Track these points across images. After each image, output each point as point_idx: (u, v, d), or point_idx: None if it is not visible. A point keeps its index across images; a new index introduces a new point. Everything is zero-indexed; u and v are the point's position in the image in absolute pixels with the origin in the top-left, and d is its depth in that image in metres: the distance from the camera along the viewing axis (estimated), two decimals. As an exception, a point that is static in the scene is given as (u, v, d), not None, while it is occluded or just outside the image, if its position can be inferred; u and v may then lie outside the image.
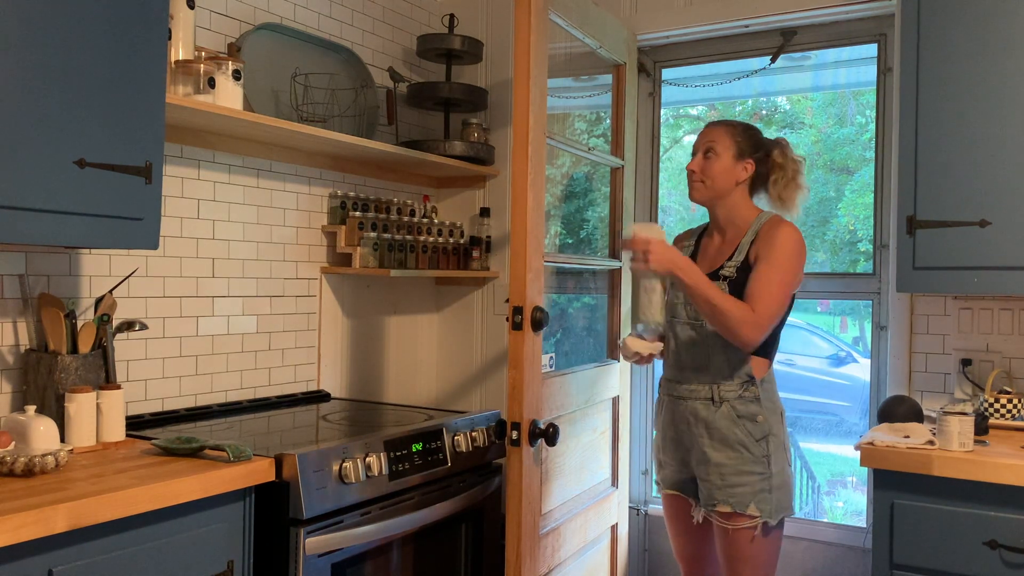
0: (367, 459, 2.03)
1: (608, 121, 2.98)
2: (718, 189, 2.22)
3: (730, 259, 2.19)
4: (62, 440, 1.84)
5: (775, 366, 2.22)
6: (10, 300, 1.97)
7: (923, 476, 1.97)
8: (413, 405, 2.89)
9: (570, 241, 3.13)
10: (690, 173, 2.26)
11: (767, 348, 2.17)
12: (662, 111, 3.12)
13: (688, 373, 2.21)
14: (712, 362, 2.17)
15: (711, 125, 2.28)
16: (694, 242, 2.37)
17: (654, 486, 3.16)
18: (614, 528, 2.90)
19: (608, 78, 2.94)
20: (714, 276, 2.17)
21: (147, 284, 2.27)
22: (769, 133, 2.30)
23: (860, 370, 6.20)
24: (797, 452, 5.13)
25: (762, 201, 2.29)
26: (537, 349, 2.22)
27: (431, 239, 2.90)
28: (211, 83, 2.14)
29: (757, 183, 2.27)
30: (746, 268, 2.15)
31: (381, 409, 2.65)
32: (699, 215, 5.50)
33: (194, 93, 2.14)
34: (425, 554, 2.28)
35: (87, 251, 2.12)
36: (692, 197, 2.28)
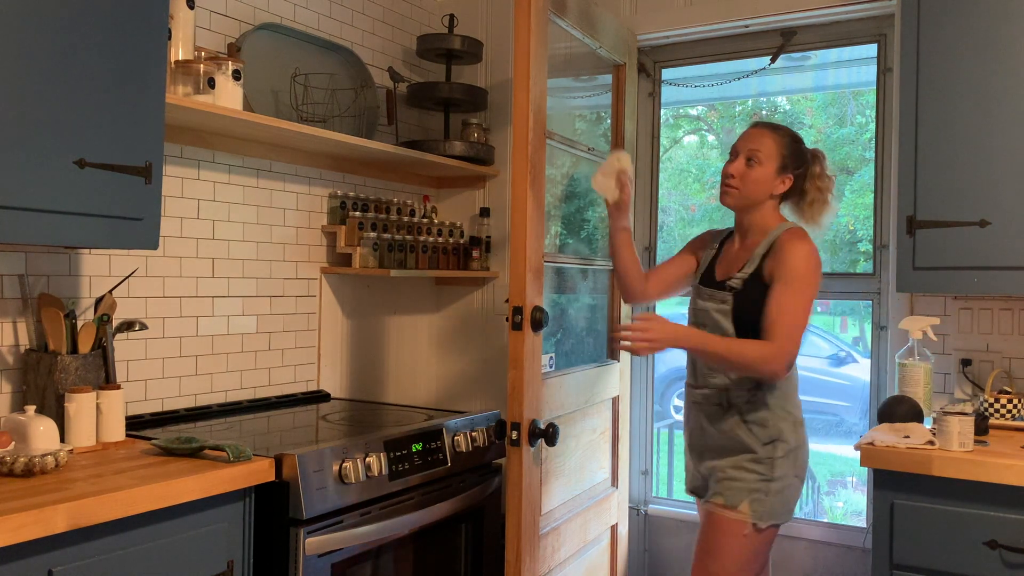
0: (367, 459, 2.03)
1: (609, 121, 2.98)
2: (751, 198, 2.15)
3: (741, 269, 2.14)
4: (62, 440, 1.84)
5: (801, 373, 2.22)
6: (10, 300, 1.97)
7: (923, 476, 1.97)
8: (413, 405, 2.89)
9: (570, 241, 3.13)
10: (726, 176, 2.17)
11: None
12: (662, 111, 3.12)
13: (702, 378, 2.20)
14: (721, 368, 2.13)
15: (759, 128, 2.18)
16: (718, 245, 2.31)
17: (654, 487, 3.16)
18: (614, 528, 2.90)
19: (609, 78, 2.94)
20: (720, 287, 2.16)
21: (147, 284, 2.27)
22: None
23: (860, 370, 6.21)
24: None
25: (787, 210, 2.23)
26: (537, 349, 2.22)
27: (431, 239, 2.90)
28: (211, 83, 2.14)
29: (790, 195, 2.21)
30: (756, 281, 2.10)
31: (381, 409, 2.65)
32: (699, 214, 5.50)
33: (194, 93, 2.14)
34: (425, 554, 2.28)
35: (87, 251, 2.12)
36: (723, 201, 2.19)
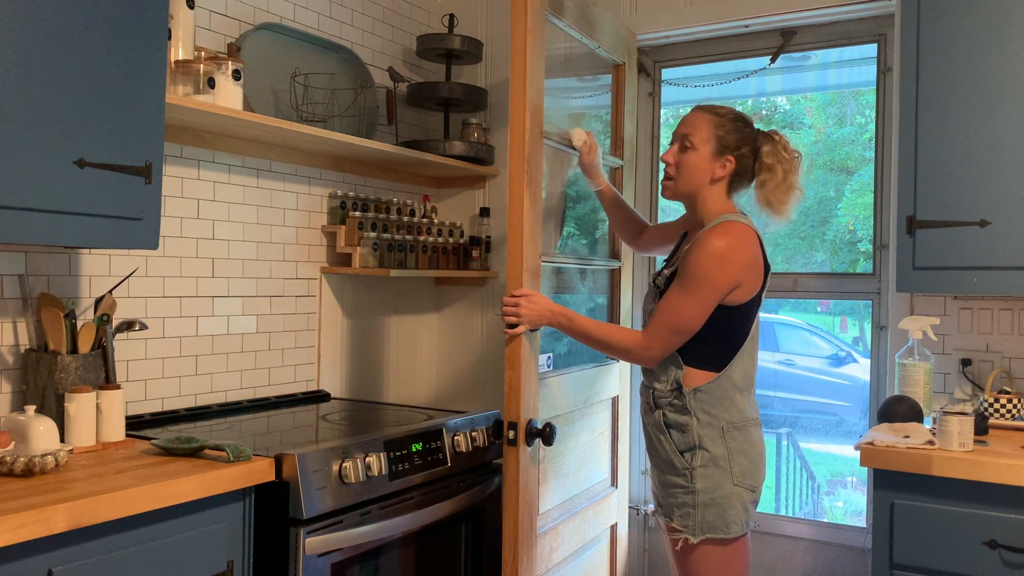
0: (367, 459, 2.03)
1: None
2: (689, 186, 2.05)
3: (671, 266, 2.07)
4: (62, 440, 1.84)
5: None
6: (10, 300, 1.97)
7: (923, 476, 1.97)
8: (413, 405, 2.89)
9: (584, 241, 3.14)
10: (664, 164, 2.10)
11: (701, 361, 1.99)
12: (662, 111, 3.12)
13: (643, 373, 2.14)
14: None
15: (697, 111, 2.07)
16: (683, 235, 2.22)
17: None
18: (613, 528, 2.90)
19: (609, 78, 2.94)
20: (656, 282, 2.11)
21: (147, 284, 2.27)
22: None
23: (860, 370, 6.21)
24: (797, 452, 5.12)
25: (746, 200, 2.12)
26: (534, 348, 2.22)
27: (431, 239, 2.90)
28: (211, 83, 2.14)
29: (740, 180, 2.07)
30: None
31: (381, 409, 2.65)
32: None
33: (194, 93, 2.14)
34: (425, 554, 2.29)
35: (87, 251, 2.12)
36: (663, 194, 2.12)
